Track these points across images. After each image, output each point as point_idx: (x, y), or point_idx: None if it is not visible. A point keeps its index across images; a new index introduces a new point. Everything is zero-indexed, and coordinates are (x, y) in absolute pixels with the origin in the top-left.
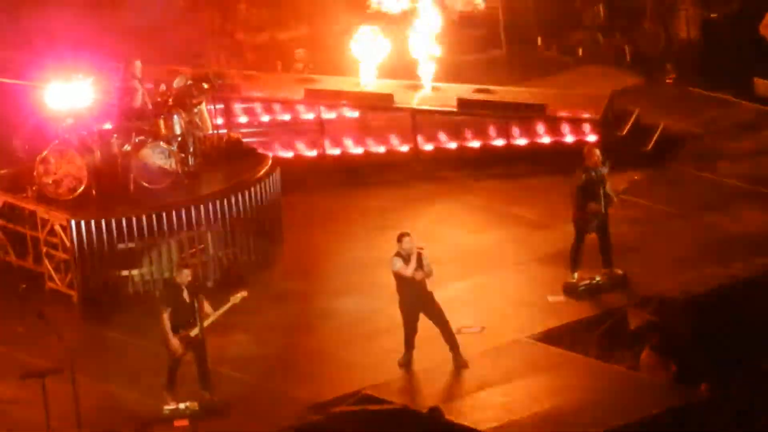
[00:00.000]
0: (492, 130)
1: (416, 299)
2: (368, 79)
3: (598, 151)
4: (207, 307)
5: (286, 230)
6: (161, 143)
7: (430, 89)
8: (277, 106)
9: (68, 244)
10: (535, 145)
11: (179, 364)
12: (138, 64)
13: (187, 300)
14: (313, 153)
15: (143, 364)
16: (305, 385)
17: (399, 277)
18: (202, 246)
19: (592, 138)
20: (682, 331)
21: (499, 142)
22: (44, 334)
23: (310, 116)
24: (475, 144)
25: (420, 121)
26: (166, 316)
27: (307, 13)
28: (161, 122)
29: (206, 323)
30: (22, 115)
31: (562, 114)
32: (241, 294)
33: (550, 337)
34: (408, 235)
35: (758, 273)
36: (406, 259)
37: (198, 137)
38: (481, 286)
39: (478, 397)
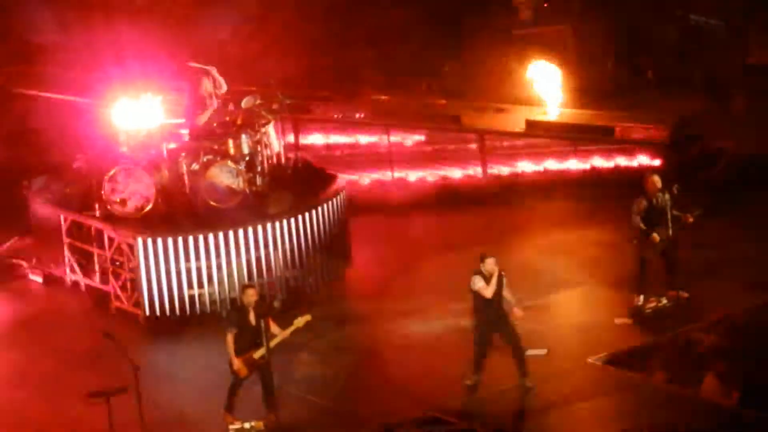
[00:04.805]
0: (560, 153)
1: (492, 320)
2: (437, 100)
3: (656, 178)
4: (274, 327)
5: (354, 251)
6: (229, 163)
7: (498, 110)
8: (346, 127)
9: (135, 262)
10: (603, 168)
11: (241, 385)
12: (206, 81)
13: (253, 322)
14: (381, 174)
15: (209, 383)
16: (371, 406)
17: (477, 297)
18: (269, 266)
19: (658, 162)
20: (749, 355)
21: (567, 165)
22: (110, 353)
23: (378, 137)
24: (543, 166)
25: (487, 142)
26: (230, 338)
27: (376, 34)
28: (230, 142)
29: (271, 345)
30: (90, 134)
31: (631, 137)
32: (305, 318)
33: (616, 360)
34: (492, 255)
35: None
36: (487, 279)
37: (266, 157)
38: (547, 308)
39: (544, 419)
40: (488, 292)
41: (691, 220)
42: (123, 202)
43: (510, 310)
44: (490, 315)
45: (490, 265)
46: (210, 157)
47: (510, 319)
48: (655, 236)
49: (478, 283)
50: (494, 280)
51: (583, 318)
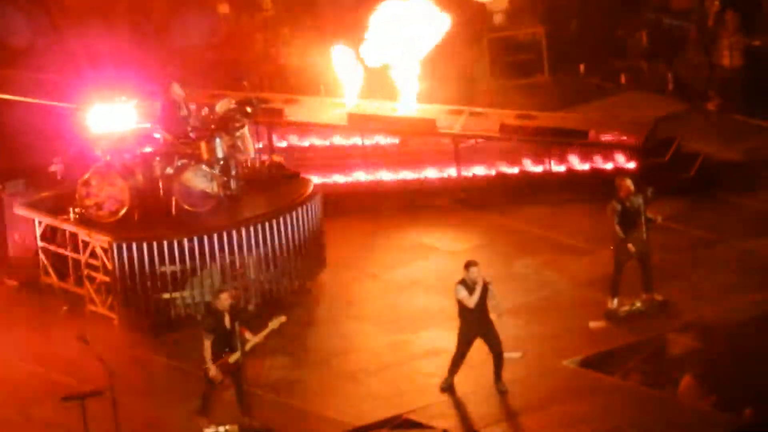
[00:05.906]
0: (533, 156)
1: (477, 326)
2: (410, 104)
3: (628, 182)
4: (247, 333)
5: (328, 254)
6: (203, 167)
7: (473, 114)
8: (320, 131)
9: (109, 266)
10: (577, 171)
11: (214, 389)
12: (176, 86)
13: (228, 326)
14: (354, 177)
15: (184, 387)
16: (345, 409)
17: (461, 305)
18: (243, 270)
19: (632, 165)
20: (724, 357)
21: (541, 169)
22: (84, 358)
23: (353, 141)
24: (517, 170)
25: (462, 146)
26: (208, 344)
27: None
28: (204, 146)
29: (246, 348)
30: (64, 138)
31: (605, 140)
32: (279, 319)
33: (590, 363)
34: (476, 264)
35: None
36: (471, 288)
37: (240, 161)
38: (522, 311)
39: (518, 422)
40: (471, 302)
41: (660, 221)
42: (97, 206)
43: (500, 313)
44: (475, 321)
45: (474, 273)
46: (184, 161)
47: (494, 326)
48: (631, 247)
49: (461, 292)
50: (478, 289)
51: (557, 321)
